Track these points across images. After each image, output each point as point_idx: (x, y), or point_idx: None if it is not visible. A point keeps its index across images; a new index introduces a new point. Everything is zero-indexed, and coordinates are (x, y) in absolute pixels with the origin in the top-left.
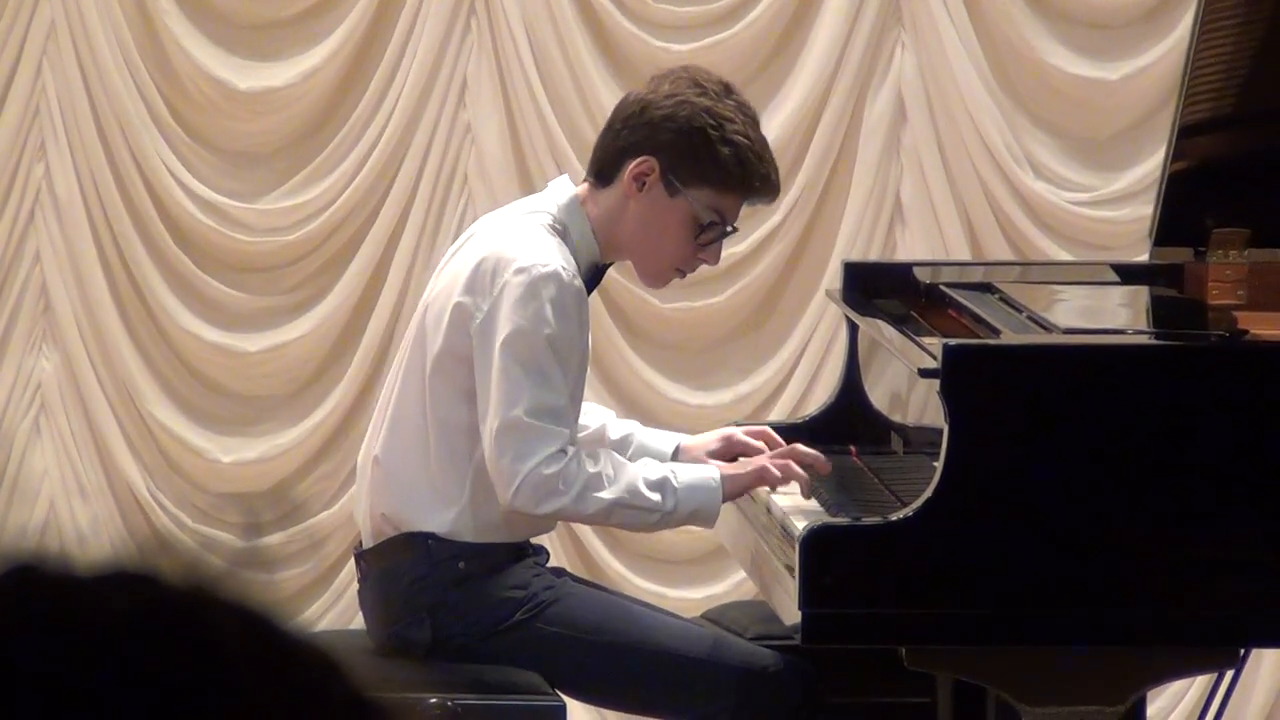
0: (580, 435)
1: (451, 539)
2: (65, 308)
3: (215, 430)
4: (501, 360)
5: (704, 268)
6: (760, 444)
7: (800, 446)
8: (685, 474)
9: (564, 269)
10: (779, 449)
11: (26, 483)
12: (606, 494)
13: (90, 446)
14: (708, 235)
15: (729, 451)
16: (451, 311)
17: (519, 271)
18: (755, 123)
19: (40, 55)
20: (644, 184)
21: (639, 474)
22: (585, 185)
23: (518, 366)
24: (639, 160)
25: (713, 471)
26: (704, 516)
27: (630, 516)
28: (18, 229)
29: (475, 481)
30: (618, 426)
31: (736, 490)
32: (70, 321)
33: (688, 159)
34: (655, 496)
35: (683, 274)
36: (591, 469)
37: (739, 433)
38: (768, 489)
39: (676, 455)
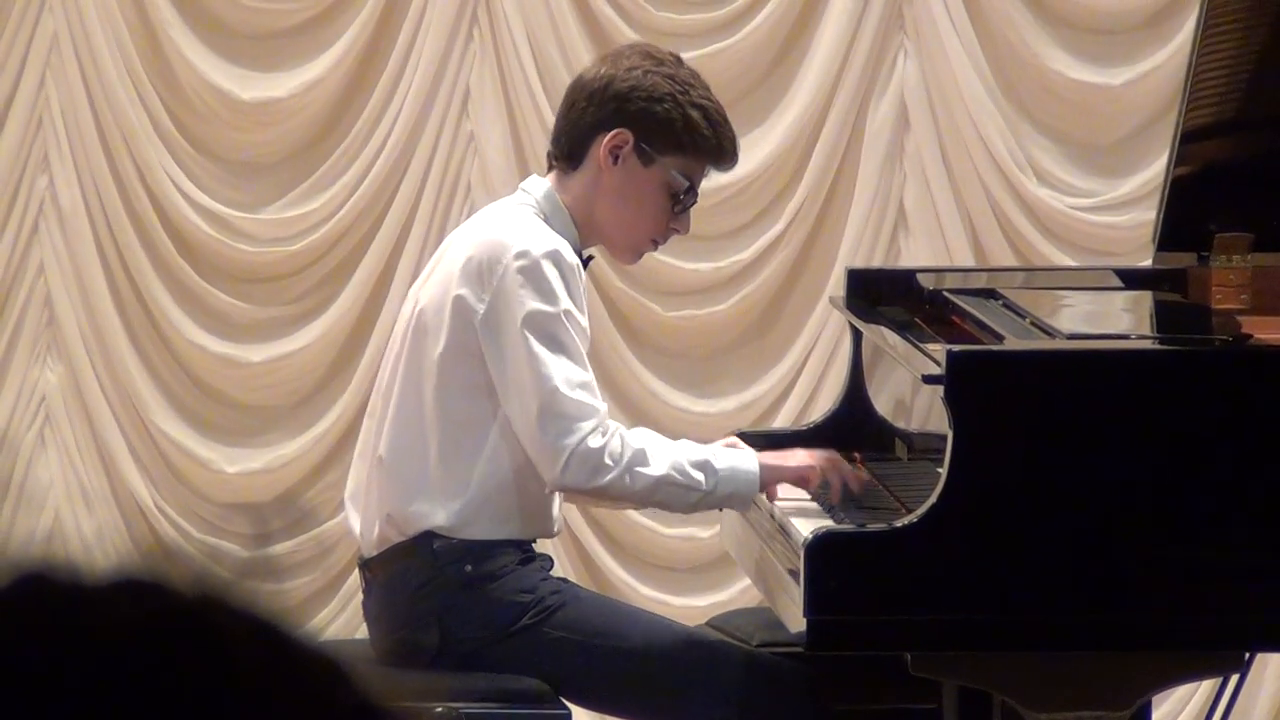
0: None
1: (455, 535)
2: (69, 319)
3: (220, 440)
4: (526, 343)
5: (706, 276)
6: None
7: (839, 460)
8: (725, 457)
9: (560, 247)
10: (822, 452)
11: (32, 493)
12: (653, 470)
13: (95, 457)
14: (681, 204)
15: None
16: (452, 306)
17: (520, 255)
18: (710, 89)
19: (44, 67)
20: (618, 157)
21: (683, 452)
22: (553, 174)
23: (542, 346)
24: (612, 134)
25: (751, 457)
26: (740, 500)
27: (673, 494)
28: (22, 241)
29: (483, 473)
30: None
31: (774, 479)
32: (75, 333)
33: (661, 126)
34: (699, 475)
35: (656, 245)
36: (636, 445)
37: (739, 442)
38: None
39: None
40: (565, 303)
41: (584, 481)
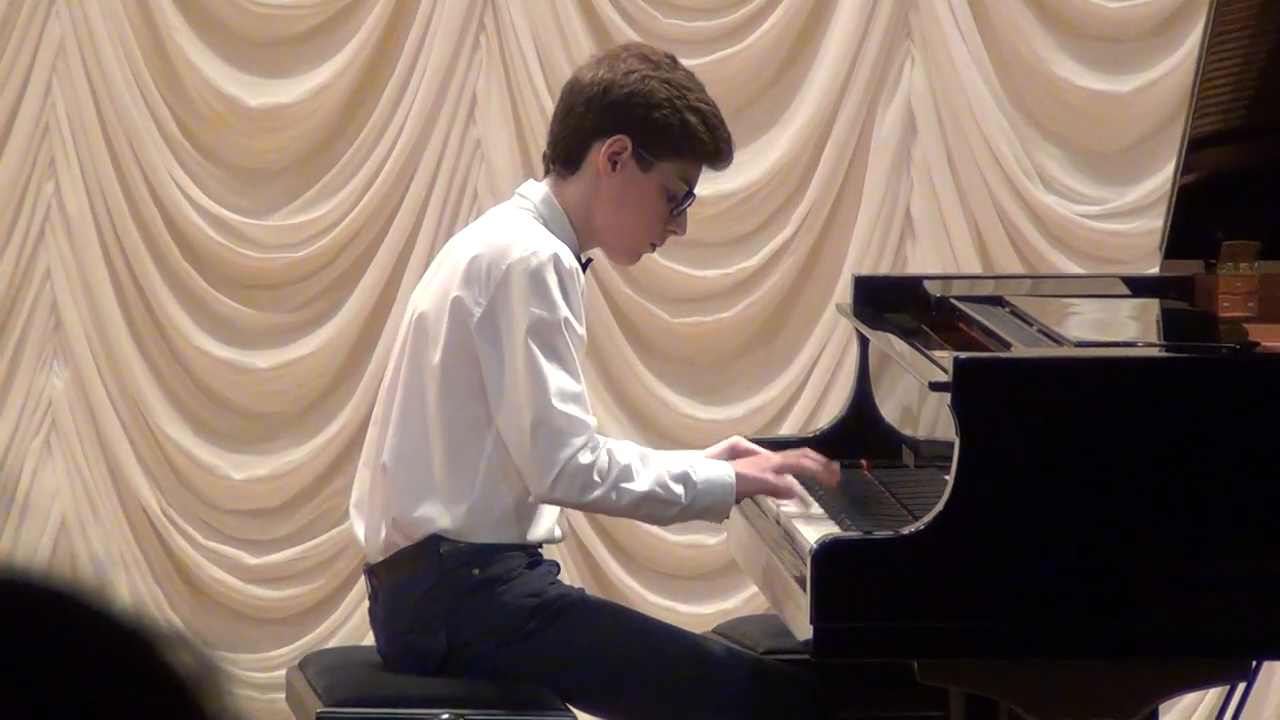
0: None
1: (462, 539)
2: (75, 325)
3: (226, 447)
4: (527, 351)
5: (713, 283)
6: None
7: (807, 457)
8: (703, 469)
9: (561, 252)
10: (788, 454)
11: (38, 500)
12: (638, 486)
13: (101, 463)
14: (678, 206)
15: (734, 458)
16: (451, 308)
17: (522, 260)
18: (705, 89)
19: (50, 73)
20: (617, 163)
21: (665, 466)
22: (550, 178)
23: (541, 355)
24: (611, 140)
25: (729, 470)
26: (716, 513)
27: (655, 509)
28: (28, 246)
29: (487, 475)
30: None
31: (746, 491)
32: (81, 338)
33: (659, 132)
34: (679, 489)
35: (654, 248)
36: (623, 460)
37: (744, 440)
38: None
39: None
40: (564, 310)
41: (572, 497)
